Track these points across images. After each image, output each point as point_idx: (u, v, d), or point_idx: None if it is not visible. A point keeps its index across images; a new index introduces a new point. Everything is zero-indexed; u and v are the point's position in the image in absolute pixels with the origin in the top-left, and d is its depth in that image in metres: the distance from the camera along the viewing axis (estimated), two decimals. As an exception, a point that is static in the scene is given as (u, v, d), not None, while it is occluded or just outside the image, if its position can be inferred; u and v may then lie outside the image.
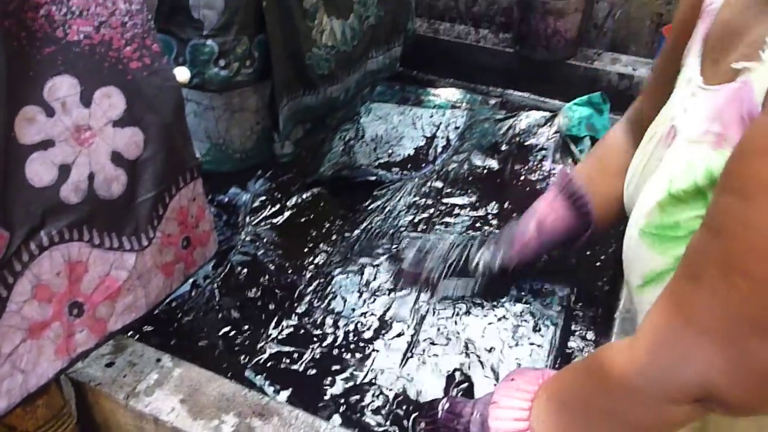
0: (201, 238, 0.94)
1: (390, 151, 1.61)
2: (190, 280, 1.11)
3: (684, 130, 0.68)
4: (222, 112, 1.12)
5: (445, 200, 1.45)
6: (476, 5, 1.96)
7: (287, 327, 1.13)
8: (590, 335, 1.13)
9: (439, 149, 1.62)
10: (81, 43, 0.74)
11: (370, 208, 1.42)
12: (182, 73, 0.81)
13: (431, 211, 1.41)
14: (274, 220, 1.39)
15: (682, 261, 0.57)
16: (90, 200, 0.78)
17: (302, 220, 1.40)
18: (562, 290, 1.19)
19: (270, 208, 1.42)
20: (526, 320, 1.14)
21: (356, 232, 1.35)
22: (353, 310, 1.18)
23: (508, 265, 1.08)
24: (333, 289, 1.22)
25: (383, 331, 1.12)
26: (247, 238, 1.33)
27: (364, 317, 1.16)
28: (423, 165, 1.57)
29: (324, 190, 1.48)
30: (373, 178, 1.51)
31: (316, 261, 1.29)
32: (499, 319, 1.14)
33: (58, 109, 0.74)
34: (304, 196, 1.46)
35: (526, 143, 1.63)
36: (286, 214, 1.41)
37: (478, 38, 1.90)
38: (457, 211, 1.41)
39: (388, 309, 1.17)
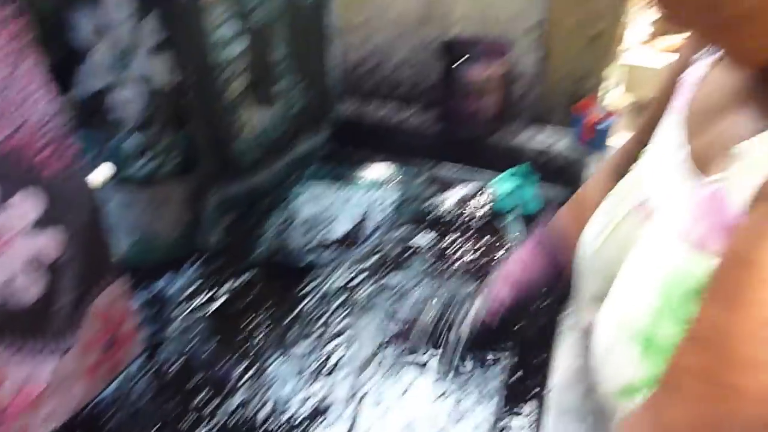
0: (125, 337, 0.93)
1: (324, 232, 1.63)
2: (119, 378, 1.08)
3: (667, 221, 0.66)
4: (148, 204, 1.12)
5: (381, 280, 1.46)
6: (401, 85, 2.04)
7: (224, 420, 1.10)
8: (529, 408, 1.14)
9: (372, 228, 1.65)
10: (-4, 149, 0.74)
11: (304, 292, 1.41)
12: (104, 171, 0.81)
13: (368, 291, 1.42)
14: (206, 309, 1.37)
15: (665, 370, 0.55)
16: (5, 306, 0.76)
17: (235, 307, 1.39)
18: (505, 359, 1.20)
19: (202, 297, 1.40)
20: (469, 393, 1.14)
21: (291, 317, 1.34)
22: (289, 399, 1.16)
23: (490, 322, 1.10)
24: (269, 378, 1.20)
25: (321, 418, 1.11)
26: (178, 331, 1.31)
27: (302, 404, 1.14)
28: (357, 244, 1.58)
29: (257, 275, 1.48)
30: (306, 262, 1.51)
31: (250, 350, 1.27)
32: (442, 394, 1.14)
33: (-28, 216, 0.73)
34: (237, 282, 1.45)
35: (459, 217, 1.67)
36: (219, 302, 1.39)
37: (405, 117, 1.97)
38: (394, 290, 1.42)
39: (327, 395, 1.16)
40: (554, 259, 1.05)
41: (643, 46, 2.53)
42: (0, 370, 0.77)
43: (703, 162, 0.62)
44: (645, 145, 0.80)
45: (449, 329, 1.15)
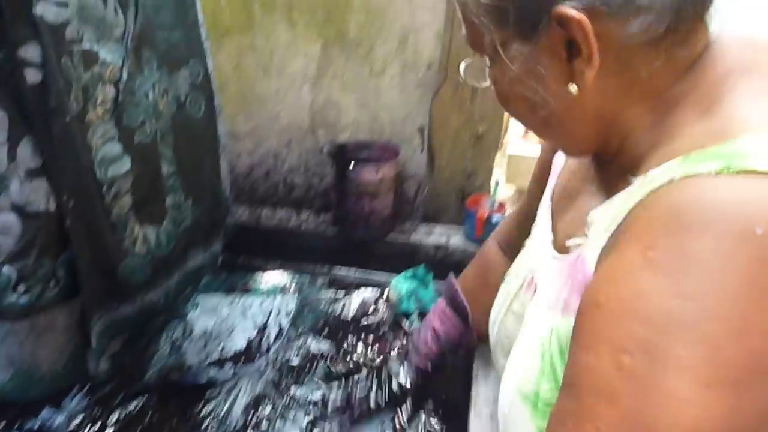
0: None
1: (222, 346, 1.55)
2: None
3: (543, 292, 0.74)
4: (26, 335, 1.03)
5: (284, 392, 1.40)
6: (295, 190, 2.04)
7: None
8: None
9: (273, 338, 1.59)
10: None
11: (203, 413, 1.33)
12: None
13: (271, 406, 1.35)
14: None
15: (548, 422, 0.58)
16: None
17: (130, 435, 1.28)
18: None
19: (90, 428, 1.29)
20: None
21: (190, 445, 1.25)
22: None
23: (417, 378, 1.20)
24: None
25: None
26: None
27: None
28: (257, 357, 1.52)
29: (151, 399, 1.38)
30: (204, 380, 1.43)
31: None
32: None
33: None
34: (129, 408, 1.35)
35: (361, 322, 1.65)
36: (111, 429, 1.28)
37: (299, 222, 1.97)
38: (299, 402, 1.36)
39: None
40: (463, 315, 1.14)
41: (522, 139, 2.70)
42: None
43: (567, 239, 0.71)
44: (527, 219, 0.93)
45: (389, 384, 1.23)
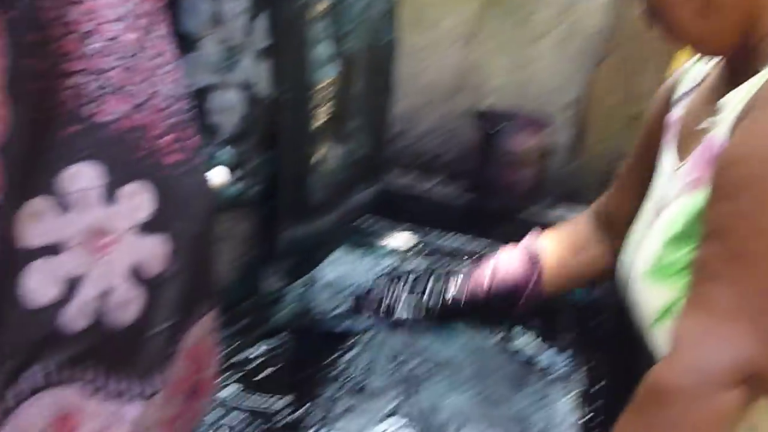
0: (206, 384, 0.74)
1: (347, 299, 1.47)
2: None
3: (667, 199, 0.81)
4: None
5: (417, 350, 1.30)
6: (426, 154, 1.95)
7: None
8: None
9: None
10: (113, 126, 0.58)
11: (342, 362, 1.23)
12: (221, 174, 0.66)
13: (405, 362, 1.25)
14: (238, 372, 1.17)
15: (694, 273, 0.68)
16: (97, 327, 0.58)
17: (268, 373, 1.19)
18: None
19: (232, 358, 1.20)
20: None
21: (334, 389, 1.15)
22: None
23: (458, 299, 1.18)
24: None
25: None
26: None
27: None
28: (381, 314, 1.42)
29: (290, 338, 1.29)
30: (343, 328, 1.34)
31: (289, 422, 1.07)
32: None
33: (74, 204, 0.56)
34: (268, 344, 1.26)
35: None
36: (251, 365, 1.20)
37: (430, 185, 1.87)
38: (429, 359, 1.26)
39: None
40: (533, 267, 1.13)
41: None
42: (74, 414, 0.58)
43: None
44: (638, 175, 0.98)
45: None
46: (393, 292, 1.25)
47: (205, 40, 0.79)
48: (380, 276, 1.50)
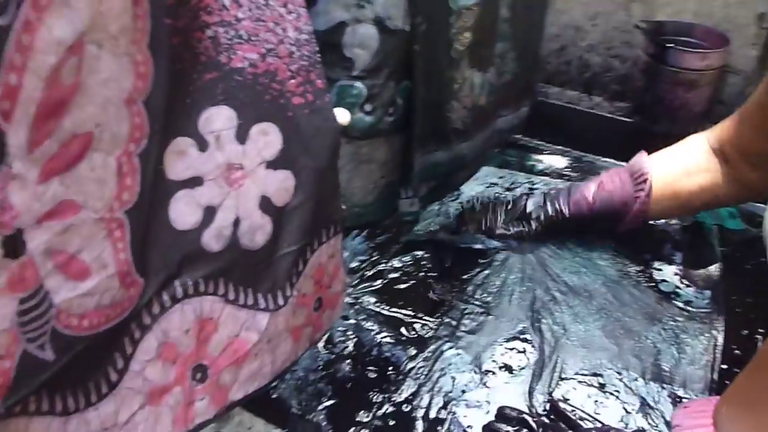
0: (332, 299, 0.83)
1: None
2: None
3: None
4: (347, 162, 1.02)
5: (554, 277, 1.29)
6: (590, 70, 1.85)
7: (388, 407, 0.99)
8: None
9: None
10: (245, 72, 0.64)
11: (476, 280, 1.27)
12: (343, 115, 0.71)
13: (541, 288, 1.25)
14: (374, 284, 1.26)
15: None
16: (231, 249, 0.67)
17: (403, 286, 1.26)
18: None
19: (369, 270, 1.29)
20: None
21: (464, 306, 1.20)
22: (463, 392, 1.04)
23: (560, 214, 1.19)
24: (441, 367, 1.08)
25: (500, 421, 0.97)
26: (347, 300, 1.21)
27: (477, 402, 1.01)
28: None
29: (426, 254, 1.35)
30: (479, 246, 1.37)
31: (420, 333, 1.15)
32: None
33: (212, 143, 0.64)
34: (404, 259, 1.33)
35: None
36: (387, 278, 1.28)
37: (591, 105, 1.79)
38: (570, 287, 1.25)
39: (502, 394, 1.02)
40: (641, 184, 1.10)
41: None
42: (213, 320, 0.69)
43: None
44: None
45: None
46: (496, 208, 1.27)
47: (341, -24, 0.82)
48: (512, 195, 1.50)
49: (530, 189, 1.52)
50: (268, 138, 0.67)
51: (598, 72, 1.84)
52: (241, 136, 0.65)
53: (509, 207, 1.27)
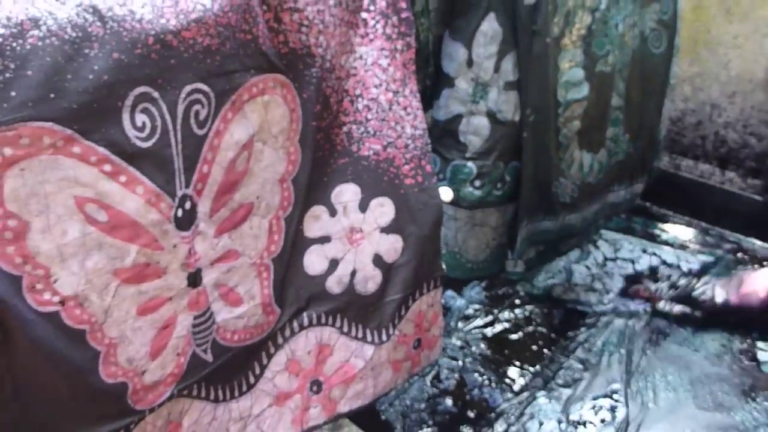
0: (430, 341, 0.98)
1: (605, 281, 1.55)
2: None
3: None
4: (463, 224, 1.18)
5: (656, 342, 1.34)
6: (725, 146, 1.86)
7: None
8: None
9: (654, 288, 1.52)
10: (369, 158, 0.83)
11: (579, 338, 1.36)
12: (446, 193, 0.86)
13: (641, 354, 1.31)
14: (485, 331, 1.39)
15: None
16: (348, 293, 0.85)
17: (512, 336, 1.39)
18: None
19: (482, 318, 1.43)
20: None
21: (564, 360, 1.30)
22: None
23: (727, 302, 1.20)
24: (531, 411, 1.18)
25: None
26: (457, 343, 1.35)
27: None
28: (636, 301, 1.47)
29: (537, 309, 1.46)
30: (588, 309, 1.45)
31: (518, 380, 1.26)
32: None
33: (340, 211, 0.82)
34: (517, 312, 1.45)
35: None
36: (498, 327, 1.40)
37: (723, 180, 1.80)
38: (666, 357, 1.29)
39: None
40: None
41: None
42: (329, 346, 0.87)
43: None
44: None
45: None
46: (663, 283, 1.34)
47: (460, 78, 0.99)
48: (655, 264, 1.56)
49: (664, 261, 1.58)
50: (383, 209, 0.84)
51: (734, 149, 1.84)
52: (363, 207, 0.83)
53: (677, 284, 1.33)
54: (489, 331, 1.40)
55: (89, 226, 0.57)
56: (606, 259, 1.62)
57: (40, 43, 0.51)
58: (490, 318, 1.44)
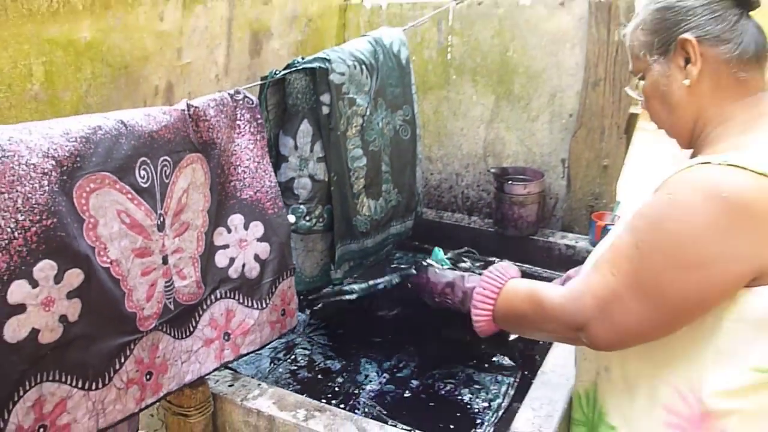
0: (291, 312, 1.58)
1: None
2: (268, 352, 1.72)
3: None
4: (301, 250, 1.81)
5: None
6: (469, 200, 2.71)
7: (333, 386, 1.71)
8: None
9: None
10: (247, 200, 1.45)
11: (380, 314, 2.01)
12: (291, 218, 1.50)
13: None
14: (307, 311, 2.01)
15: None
16: (241, 278, 1.43)
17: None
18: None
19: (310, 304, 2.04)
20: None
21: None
22: (367, 376, 1.76)
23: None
24: (359, 369, 1.80)
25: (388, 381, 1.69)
26: (305, 340, 1.95)
27: (379, 386, 1.73)
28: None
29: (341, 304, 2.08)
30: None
31: (345, 351, 1.88)
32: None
33: (233, 229, 1.42)
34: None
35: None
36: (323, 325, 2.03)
37: (470, 222, 2.62)
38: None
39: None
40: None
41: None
42: (233, 311, 1.44)
43: None
44: None
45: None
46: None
47: (291, 156, 1.66)
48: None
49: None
50: (257, 228, 1.46)
51: (473, 201, 2.70)
52: (246, 227, 1.44)
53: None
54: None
55: (122, 225, 1.13)
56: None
57: (101, 137, 1.09)
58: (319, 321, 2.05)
